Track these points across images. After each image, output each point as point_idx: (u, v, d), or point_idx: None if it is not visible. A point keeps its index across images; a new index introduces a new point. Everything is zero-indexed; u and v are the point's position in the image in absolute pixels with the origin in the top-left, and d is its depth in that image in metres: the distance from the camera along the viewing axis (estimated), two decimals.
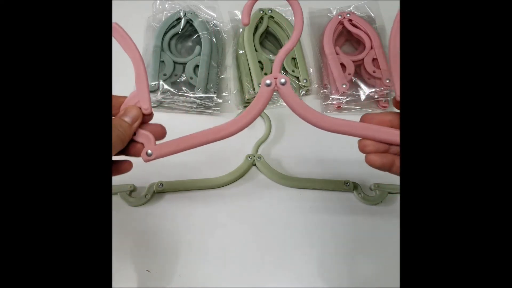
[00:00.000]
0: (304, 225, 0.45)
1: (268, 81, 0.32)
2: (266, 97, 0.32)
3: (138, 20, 0.57)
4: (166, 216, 0.46)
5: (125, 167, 0.35)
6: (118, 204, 0.46)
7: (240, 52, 0.54)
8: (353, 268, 0.43)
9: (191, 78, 0.52)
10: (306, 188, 0.48)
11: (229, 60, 0.57)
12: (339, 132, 0.33)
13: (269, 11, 0.56)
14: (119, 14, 0.57)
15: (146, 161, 0.34)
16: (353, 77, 0.53)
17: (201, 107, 0.52)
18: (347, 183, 0.47)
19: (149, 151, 0.33)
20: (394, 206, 0.47)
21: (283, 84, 0.32)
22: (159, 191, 0.47)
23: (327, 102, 0.53)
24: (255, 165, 0.49)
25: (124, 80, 0.44)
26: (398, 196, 0.47)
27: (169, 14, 0.56)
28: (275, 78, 0.32)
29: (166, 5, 0.57)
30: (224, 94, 0.53)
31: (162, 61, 0.52)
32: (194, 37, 0.56)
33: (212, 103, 0.51)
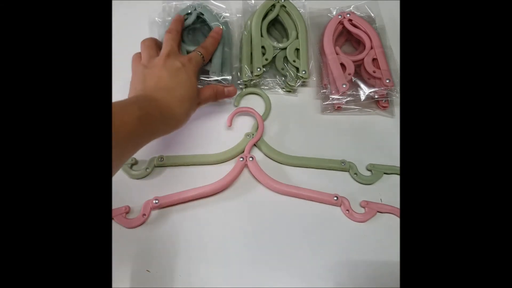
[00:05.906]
0: (299, 210, 0.46)
1: (241, 158, 0.48)
2: (240, 167, 0.48)
3: (143, 19, 0.57)
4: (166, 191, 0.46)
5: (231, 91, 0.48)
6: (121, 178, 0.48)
7: (245, 34, 0.55)
8: (351, 258, 0.43)
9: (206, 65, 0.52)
10: (303, 167, 0.49)
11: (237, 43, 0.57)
12: (290, 195, 0.47)
13: (282, 0, 0.56)
14: (119, 14, 0.57)
15: (153, 208, 0.45)
16: (353, 77, 0.52)
17: None
18: (343, 163, 0.48)
19: (155, 201, 0.44)
20: (388, 185, 0.48)
21: (251, 160, 0.47)
22: (160, 165, 0.48)
23: (327, 102, 0.52)
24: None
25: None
26: (393, 177, 0.48)
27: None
28: (246, 156, 0.48)
29: (174, 3, 0.57)
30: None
31: None
32: (205, 29, 0.56)
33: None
